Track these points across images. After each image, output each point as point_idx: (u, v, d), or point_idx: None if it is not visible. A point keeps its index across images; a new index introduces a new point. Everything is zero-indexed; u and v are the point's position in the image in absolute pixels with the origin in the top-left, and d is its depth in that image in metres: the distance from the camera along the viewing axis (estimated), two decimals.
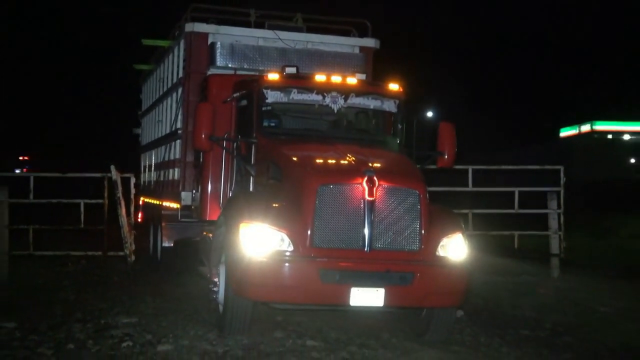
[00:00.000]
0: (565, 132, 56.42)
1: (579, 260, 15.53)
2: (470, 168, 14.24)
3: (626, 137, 57.24)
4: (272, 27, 12.17)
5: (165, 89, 14.49)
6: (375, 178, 7.75)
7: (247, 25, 12.46)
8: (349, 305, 7.82)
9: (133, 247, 14.22)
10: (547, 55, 68.42)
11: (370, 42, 12.65)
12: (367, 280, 7.71)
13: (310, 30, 12.65)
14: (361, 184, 7.74)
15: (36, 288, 12.10)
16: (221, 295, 8.52)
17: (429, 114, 44.37)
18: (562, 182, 14.78)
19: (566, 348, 8.71)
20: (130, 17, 54.84)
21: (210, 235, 9.71)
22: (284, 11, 13.19)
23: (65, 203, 14.46)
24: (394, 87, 9.90)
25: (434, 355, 7.91)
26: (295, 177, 8.22)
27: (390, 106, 9.87)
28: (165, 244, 12.66)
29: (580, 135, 54.61)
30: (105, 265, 14.15)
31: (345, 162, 8.45)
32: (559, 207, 14.38)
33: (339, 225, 7.79)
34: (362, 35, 12.86)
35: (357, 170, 7.97)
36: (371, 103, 9.81)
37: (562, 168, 14.96)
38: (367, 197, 7.71)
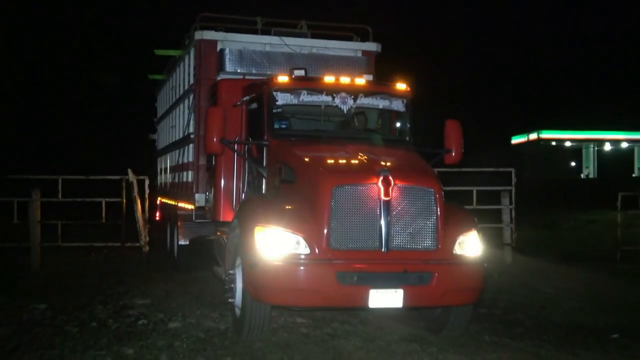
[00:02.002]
0: (515, 140, 56.56)
1: (528, 249, 15.57)
2: (435, 170, 14.18)
3: (568, 143, 57.54)
4: (278, 34, 11.24)
5: (177, 96, 13.63)
6: (390, 177, 6.75)
7: (254, 32, 11.52)
8: (368, 307, 6.78)
9: (147, 239, 14.22)
10: (500, 73, 68.89)
11: (372, 46, 11.71)
12: (386, 281, 6.70)
13: (314, 36, 11.69)
14: (376, 183, 6.73)
15: (64, 274, 12.06)
16: (238, 299, 7.43)
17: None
18: (513, 182, 14.84)
19: (517, 323, 8.74)
20: (143, 30, 53.69)
21: (225, 236, 8.72)
22: (288, 18, 12.23)
23: (89, 201, 14.43)
24: (401, 86, 8.87)
25: (405, 330, 7.91)
26: (309, 179, 7.17)
27: (398, 105, 8.83)
28: (181, 242, 11.79)
29: (528, 142, 54.73)
30: (123, 255, 14.12)
31: (359, 162, 7.37)
32: (510, 203, 14.43)
33: (355, 227, 6.74)
34: (364, 39, 11.94)
35: (371, 170, 6.91)
36: (380, 103, 8.74)
37: (513, 170, 15.05)
38: (382, 197, 6.70)
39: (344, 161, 7.64)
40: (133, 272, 12.39)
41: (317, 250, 6.65)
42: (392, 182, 6.75)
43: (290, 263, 6.64)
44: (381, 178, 6.73)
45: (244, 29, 11.59)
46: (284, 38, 11.12)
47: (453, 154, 8.71)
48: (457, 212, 7.51)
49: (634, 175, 54.16)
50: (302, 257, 6.65)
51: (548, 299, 10.51)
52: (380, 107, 8.83)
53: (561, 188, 38.35)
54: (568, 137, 56.28)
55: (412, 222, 6.89)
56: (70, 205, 14.48)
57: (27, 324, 8.13)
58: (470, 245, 7.20)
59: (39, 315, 8.61)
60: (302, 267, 6.63)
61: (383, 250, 6.72)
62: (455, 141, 8.72)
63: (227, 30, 11.28)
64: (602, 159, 58.41)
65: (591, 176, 55.84)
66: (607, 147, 58.12)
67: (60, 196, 14.23)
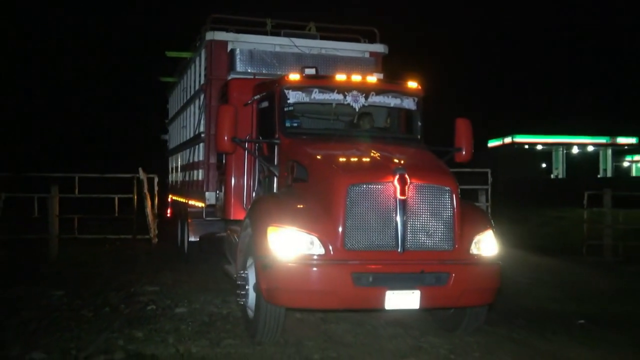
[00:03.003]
0: (492, 143, 56.67)
1: (502, 242, 15.58)
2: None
3: (539, 147, 57.80)
4: (287, 35, 10.36)
5: (188, 97, 12.77)
6: (406, 176, 6.03)
7: (264, 34, 10.61)
8: (384, 309, 6.09)
9: (156, 232, 14.28)
10: (478, 81, 69.23)
11: (379, 48, 10.86)
12: (402, 282, 5.98)
13: (322, 37, 10.80)
14: (392, 182, 6.00)
15: (80, 264, 12.04)
16: (251, 300, 6.68)
17: None
18: (489, 181, 14.86)
19: (492, 309, 8.74)
20: (154, 32, 52.80)
21: (235, 235, 7.93)
22: (297, 20, 11.32)
23: (103, 197, 14.41)
24: (412, 85, 7.97)
25: (390, 315, 7.85)
26: (323, 178, 6.37)
27: (409, 104, 7.93)
28: (192, 238, 11.07)
29: (503, 146, 54.90)
30: (134, 246, 14.10)
31: (374, 160, 6.58)
32: (487, 200, 14.44)
33: (370, 226, 6.01)
34: (371, 41, 11.05)
35: (387, 169, 6.16)
36: (391, 101, 7.86)
37: (489, 171, 15.05)
38: (398, 196, 5.97)
39: (359, 159, 6.85)
40: (143, 262, 12.36)
41: (332, 251, 5.95)
42: (408, 181, 6.04)
43: (305, 264, 5.92)
44: (397, 176, 6.03)
45: (254, 30, 10.81)
46: (293, 39, 10.29)
47: (463, 152, 7.92)
48: (472, 211, 6.77)
49: (599, 176, 54.43)
50: (317, 258, 5.94)
51: (520, 287, 10.53)
52: (392, 105, 7.99)
53: (533, 187, 38.48)
54: (539, 141, 56.55)
55: (429, 221, 6.16)
56: (86, 200, 14.50)
57: (45, 309, 8.11)
58: (487, 245, 6.51)
59: (56, 301, 8.59)
60: (317, 269, 5.91)
61: (399, 250, 6.01)
62: (465, 140, 7.94)
63: (237, 31, 10.48)
64: (570, 161, 58.76)
65: (560, 176, 56.13)
66: (575, 150, 58.43)
67: (76, 192, 14.27)
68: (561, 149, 58.35)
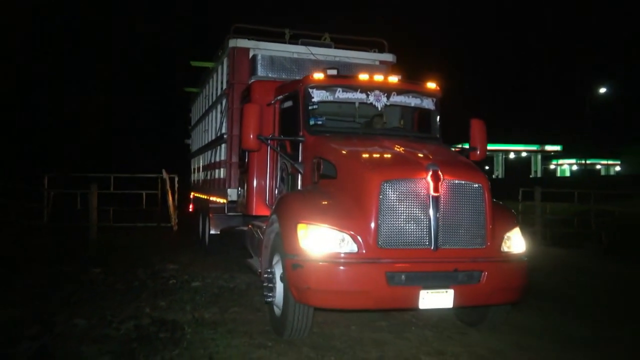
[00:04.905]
0: None
1: None
2: None
3: None
4: (305, 44, 9.32)
5: (210, 103, 11.47)
6: (439, 172, 4.93)
7: (282, 43, 9.51)
8: (418, 308, 4.93)
9: (176, 220, 14.23)
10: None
11: (389, 57, 9.88)
12: (436, 281, 4.89)
13: (336, 47, 9.75)
14: (425, 178, 4.90)
15: (114, 246, 11.94)
16: (278, 299, 5.47)
17: None
18: None
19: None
20: (180, 45, 50.92)
21: (258, 230, 6.82)
22: (312, 31, 10.14)
23: (133, 193, 14.34)
24: (431, 85, 6.80)
25: None
26: (353, 174, 5.19)
27: (429, 104, 6.77)
28: (213, 231, 10.12)
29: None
30: (158, 232, 14.02)
31: (405, 157, 5.39)
32: None
33: (403, 224, 4.86)
34: (380, 51, 10.01)
35: (420, 165, 5.02)
36: (412, 101, 6.66)
37: None
38: (432, 193, 4.87)
39: (389, 156, 5.56)
40: (166, 246, 12.27)
41: (364, 249, 4.81)
42: (442, 177, 4.94)
43: (337, 263, 4.77)
44: (430, 173, 4.92)
45: (273, 39, 9.64)
46: (310, 47, 9.26)
47: (478, 152, 6.74)
48: (499, 209, 5.51)
49: (531, 176, 54.92)
50: (350, 256, 4.80)
51: None
52: (412, 105, 6.76)
53: None
54: None
55: (461, 218, 5.04)
56: (119, 195, 14.41)
57: (86, 284, 8.04)
58: (516, 242, 5.42)
59: (95, 277, 8.51)
60: (350, 268, 4.76)
61: (432, 248, 4.89)
62: (480, 140, 6.76)
63: (258, 39, 9.42)
64: (508, 164, 59.27)
65: (500, 177, 56.56)
66: (512, 155, 58.93)
67: (112, 189, 14.19)
68: (501, 154, 58.84)
